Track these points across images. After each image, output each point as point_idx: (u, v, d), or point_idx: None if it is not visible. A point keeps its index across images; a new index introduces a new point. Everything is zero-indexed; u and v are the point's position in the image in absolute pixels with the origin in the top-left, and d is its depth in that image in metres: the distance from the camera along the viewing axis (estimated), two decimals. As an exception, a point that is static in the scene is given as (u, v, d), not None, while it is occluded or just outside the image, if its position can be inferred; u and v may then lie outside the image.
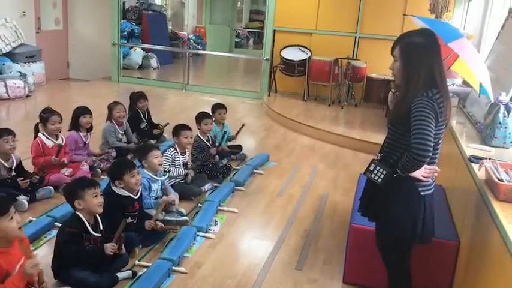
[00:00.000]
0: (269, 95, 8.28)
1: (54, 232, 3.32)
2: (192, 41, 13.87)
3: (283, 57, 7.98)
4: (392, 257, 2.42)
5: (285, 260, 3.24)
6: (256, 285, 2.91)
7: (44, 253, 3.07)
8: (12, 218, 2.17)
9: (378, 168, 2.24)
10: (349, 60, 7.63)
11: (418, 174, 2.16)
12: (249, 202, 4.14)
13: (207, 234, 3.46)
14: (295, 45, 8.14)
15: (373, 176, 2.25)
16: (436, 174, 2.22)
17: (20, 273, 2.17)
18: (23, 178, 3.74)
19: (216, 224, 3.66)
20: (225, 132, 5.06)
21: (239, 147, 5.28)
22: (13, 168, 3.78)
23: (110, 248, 2.67)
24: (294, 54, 7.96)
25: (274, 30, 8.44)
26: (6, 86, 7.18)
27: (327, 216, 3.98)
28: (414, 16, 2.66)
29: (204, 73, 12.56)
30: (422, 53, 2.15)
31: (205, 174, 4.46)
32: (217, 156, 4.74)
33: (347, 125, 6.67)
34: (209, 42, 14.99)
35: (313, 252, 3.37)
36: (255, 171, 4.81)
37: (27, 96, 7.49)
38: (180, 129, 4.28)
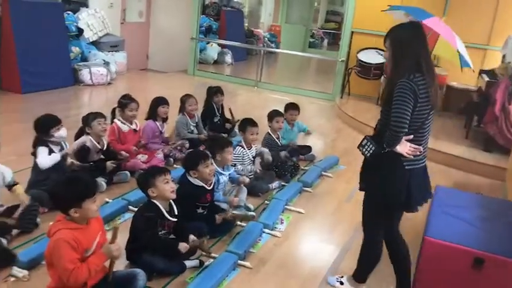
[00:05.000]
0: (341, 97, 8.15)
1: (127, 215, 3.48)
2: (266, 39, 13.97)
3: (359, 60, 7.82)
4: (374, 224, 2.67)
5: (351, 266, 3.14)
6: (321, 288, 2.88)
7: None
8: (95, 201, 2.28)
9: (368, 144, 2.48)
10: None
11: (402, 151, 2.38)
12: (316, 204, 4.09)
13: (272, 232, 3.46)
14: (373, 48, 7.95)
15: (364, 150, 2.50)
16: (419, 152, 2.42)
17: (102, 254, 2.28)
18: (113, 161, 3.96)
19: (282, 223, 3.65)
20: (302, 128, 5.13)
21: (309, 147, 5.24)
22: (103, 149, 3.96)
23: (183, 248, 2.77)
24: (371, 57, 7.78)
25: (352, 32, 8.28)
26: (90, 72, 7.60)
27: (397, 226, 3.84)
28: (390, 8, 2.89)
29: (276, 71, 12.59)
30: (408, 44, 2.38)
31: (273, 172, 4.47)
32: (287, 153, 4.74)
33: (422, 134, 6.40)
34: (283, 41, 15.02)
35: (381, 262, 3.26)
36: (323, 173, 4.76)
37: (109, 83, 7.88)
38: (247, 124, 4.27)
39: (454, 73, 7.32)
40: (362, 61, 7.79)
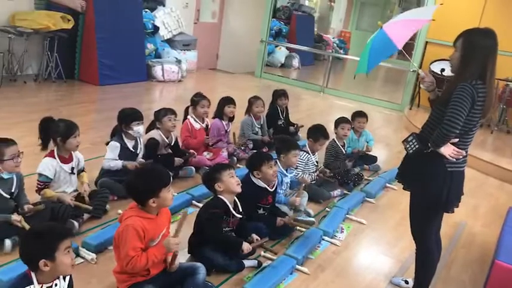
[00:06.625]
0: (410, 108, 7.91)
1: (191, 209, 3.56)
2: (335, 44, 13.84)
3: (432, 71, 7.54)
4: (421, 225, 2.65)
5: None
6: (379, 302, 2.81)
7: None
8: (170, 190, 2.37)
9: (414, 141, 2.52)
10: (508, 83, 6.95)
11: (445, 152, 2.41)
12: (379, 216, 4.00)
13: (332, 240, 3.42)
14: (447, 60, 7.62)
15: (407, 146, 2.55)
16: (462, 157, 2.45)
17: (162, 246, 2.34)
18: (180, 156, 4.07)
19: (342, 232, 3.60)
20: (368, 139, 5.04)
21: (374, 157, 5.13)
22: (171, 145, 4.09)
23: (246, 248, 2.80)
24: (446, 69, 7.48)
25: (426, 42, 8.03)
26: (163, 69, 7.88)
27: (463, 246, 3.68)
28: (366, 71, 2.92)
29: (343, 78, 12.43)
30: (479, 51, 2.37)
31: (336, 180, 4.41)
32: (352, 162, 4.66)
33: (495, 152, 6.09)
34: (352, 47, 14.82)
35: (443, 281, 3.14)
36: (387, 185, 4.64)
37: (179, 81, 8.13)
38: (320, 136, 4.16)
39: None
40: (435, 72, 7.50)
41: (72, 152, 3.21)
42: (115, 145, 3.59)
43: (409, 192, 2.73)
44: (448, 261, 3.38)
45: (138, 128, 3.63)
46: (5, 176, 2.76)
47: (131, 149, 3.68)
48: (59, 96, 6.27)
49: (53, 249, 1.85)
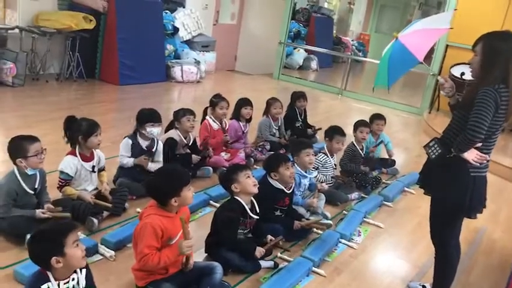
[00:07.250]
0: (430, 112, 7.83)
1: (208, 209, 3.60)
2: (354, 47, 13.77)
3: (452, 75, 7.46)
4: (442, 230, 2.64)
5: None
6: (396, 307, 2.79)
7: (196, 227, 3.33)
8: (190, 188, 2.40)
9: (436, 146, 2.50)
10: (531, 87, 6.83)
11: (469, 157, 2.39)
12: (396, 220, 3.97)
13: (349, 243, 3.40)
14: (467, 64, 7.52)
15: (430, 151, 2.53)
16: (485, 161, 2.44)
17: (175, 248, 2.35)
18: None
19: (359, 235, 3.58)
20: (381, 141, 4.97)
21: (392, 161, 5.09)
22: (189, 145, 4.12)
23: (259, 252, 2.83)
24: (466, 73, 7.39)
25: (447, 45, 7.94)
26: (182, 70, 7.93)
27: (483, 252, 3.63)
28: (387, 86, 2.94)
29: (362, 81, 12.36)
30: (500, 55, 2.35)
31: (353, 183, 4.40)
32: (367, 167, 4.63)
33: (516, 158, 5.99)
34: (371, 50, 14.73)
35: (463, 286, 3.10)
36: (405, 189, 4.60)
37: (198, 82, 8.18)
38: (335, 133, 4.20)
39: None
40: (455, 76, 7.41)
41: (94, 151, 3.27)
42: (126, 142, 3.66)
43: (427, 197, 2.72)
44: (467, 267, 3.34)
45: (151, 130, 3.64)
46: (30, 172, 2.81)
47: (144, 147, 3.70)
48: (79, 95, 6.37)
49: (62, 245, 1.88)
